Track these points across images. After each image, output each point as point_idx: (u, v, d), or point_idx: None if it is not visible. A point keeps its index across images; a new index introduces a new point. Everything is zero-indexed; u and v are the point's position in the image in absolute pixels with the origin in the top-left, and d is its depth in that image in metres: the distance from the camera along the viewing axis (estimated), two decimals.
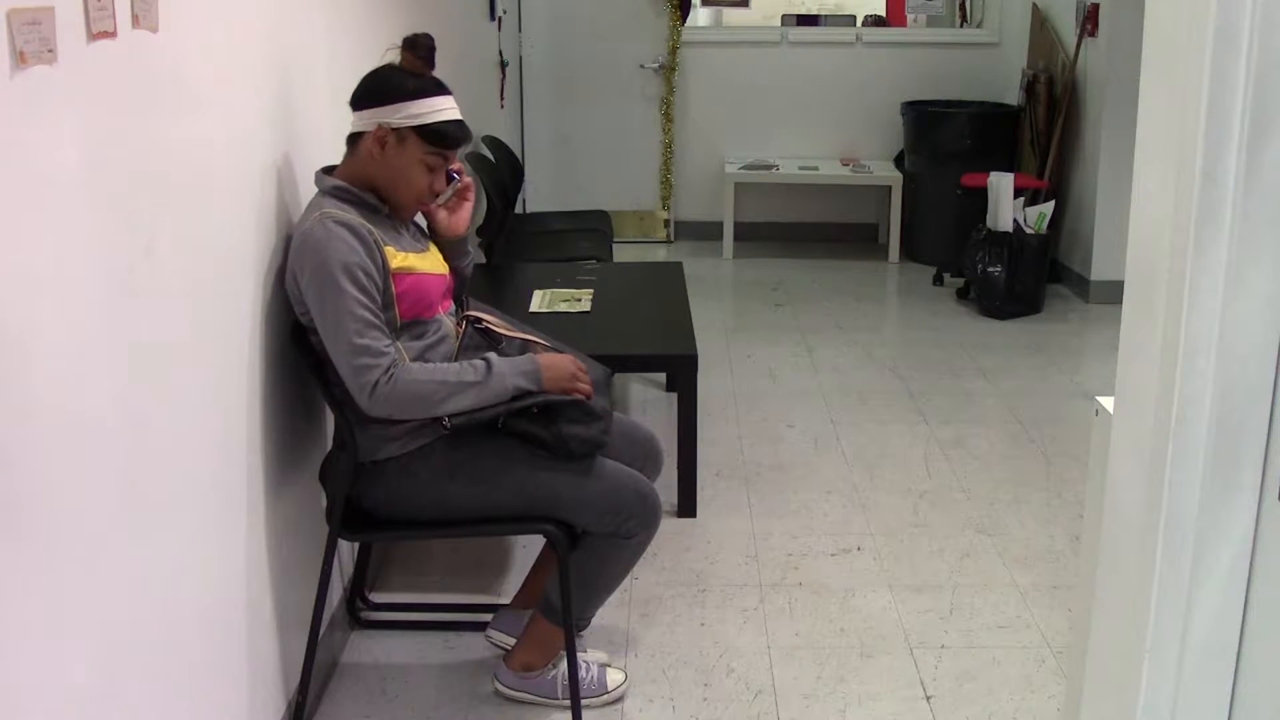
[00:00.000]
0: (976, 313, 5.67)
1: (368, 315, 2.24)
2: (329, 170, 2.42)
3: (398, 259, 2.34)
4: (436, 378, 2.30)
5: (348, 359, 2.24)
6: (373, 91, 2.37)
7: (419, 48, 2.38)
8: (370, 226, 2.31)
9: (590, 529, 2.45)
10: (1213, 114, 1.22)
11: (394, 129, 2.34)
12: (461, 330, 2.49)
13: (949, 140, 6.31)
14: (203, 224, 1.99)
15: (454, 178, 2.54)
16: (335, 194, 2.35)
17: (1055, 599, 3.08)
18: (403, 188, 2.39)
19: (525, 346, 2.51)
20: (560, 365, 2.43)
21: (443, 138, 2.37)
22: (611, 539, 2.45)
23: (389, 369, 2.25)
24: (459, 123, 2.40)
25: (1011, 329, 5.45)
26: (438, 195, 2.50)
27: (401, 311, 2.33)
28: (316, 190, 2.40)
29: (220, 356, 2.09)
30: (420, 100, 2.34)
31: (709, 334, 5.18)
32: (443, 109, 2.37)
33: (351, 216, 2.29)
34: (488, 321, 2.53)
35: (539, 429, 2.38)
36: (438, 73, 2.44)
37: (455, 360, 2.41)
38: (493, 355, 2.39)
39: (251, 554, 2.25)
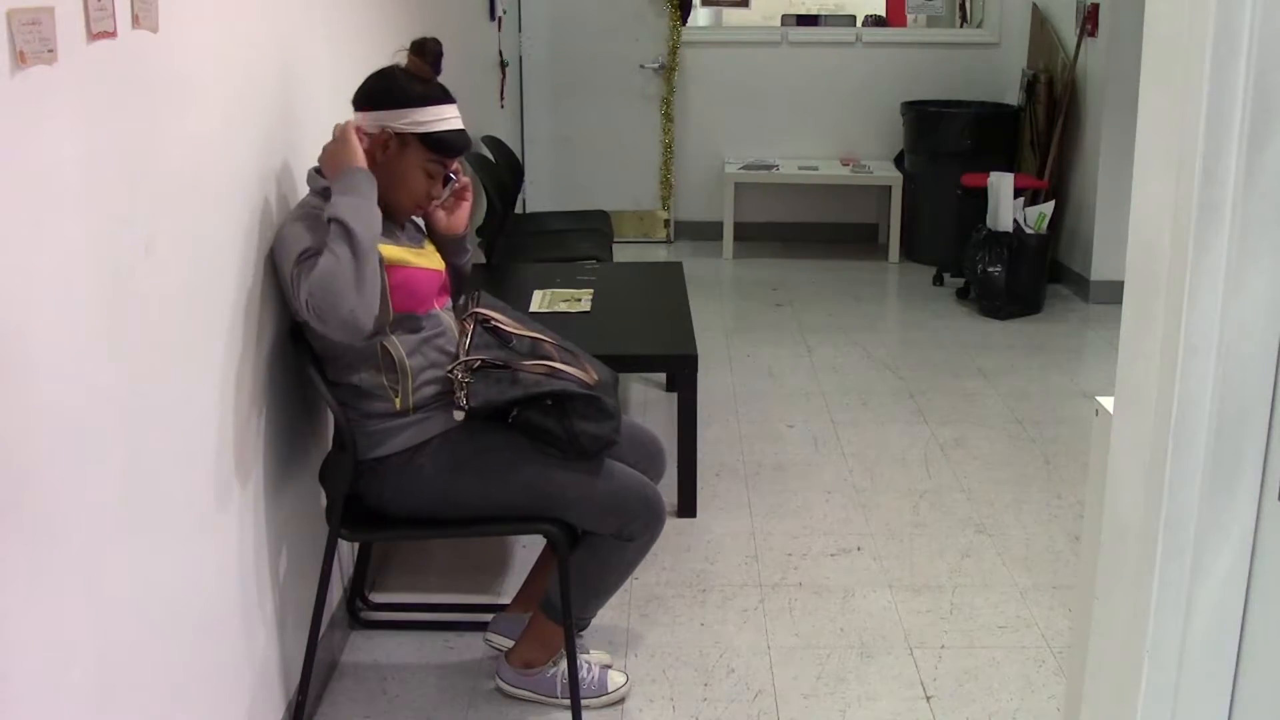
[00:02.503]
0: (976, 313, 5.67)
1: (308, 264, 2.19)
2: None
3: (391, 252, 2.34)
4: (323, 261, 2.18)
5: (300, 307, 2.20)
6: (378, 93, 2.37)
7: (426, 53, 2.38)
8: None
9: (592, 530, 2.45)
10: (1213, 114, 1.22)
11: (397, 134, 2.34)
12: (470, 329, 2.48)
13: (949, 140, 6.31)
14: (202, 224, 1.99)
15: (451, 178, 2.55)
16: (324, 195, 2.35)
17: (1055, 599, 3.08)
18: (400, 192, 2.39)
19: (535, 344, 2.51)
20: (331, 153, 2.33)
21: (445, 146, 2.38)
22: (613, 541, 2.45)
23: (305, 286, 2.18)
24: (461, 131, 2.40)
25: (1011, 329, 5.45)
26: (434, 200, 2.51)
27: (394, 304, 2.33)
28: (309, 189, 2.40)
29: (220, 356, 2.09)
30: (426, 108, 2.34)
31: (709, 334, 5.18)
32: (447, 117, 2.37)
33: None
34: (496, 320, 2.53)
35: (552, 423, 2.38)
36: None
37: (464, 356, 2.40)
38: (328, 207, 2.24)
39: (251, 554, 2.25)
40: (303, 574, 2.54)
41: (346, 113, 2.40)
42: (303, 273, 2.20)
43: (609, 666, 2.68)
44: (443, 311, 2.49)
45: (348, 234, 2.18)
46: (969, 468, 3.89)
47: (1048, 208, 5.65)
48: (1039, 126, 6.15)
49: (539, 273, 4.25)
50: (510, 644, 2.68)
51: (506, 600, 2.90)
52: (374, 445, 2.39)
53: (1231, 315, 1.26)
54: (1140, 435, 1.38)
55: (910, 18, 7.32)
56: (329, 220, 2.22)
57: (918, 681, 2.73)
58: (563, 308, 3.72)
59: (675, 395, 3.61)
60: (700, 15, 7.44)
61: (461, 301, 2.62)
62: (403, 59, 2.41)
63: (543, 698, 2.62)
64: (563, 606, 2.47)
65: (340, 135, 2.34)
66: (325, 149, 2.36)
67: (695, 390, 3.44)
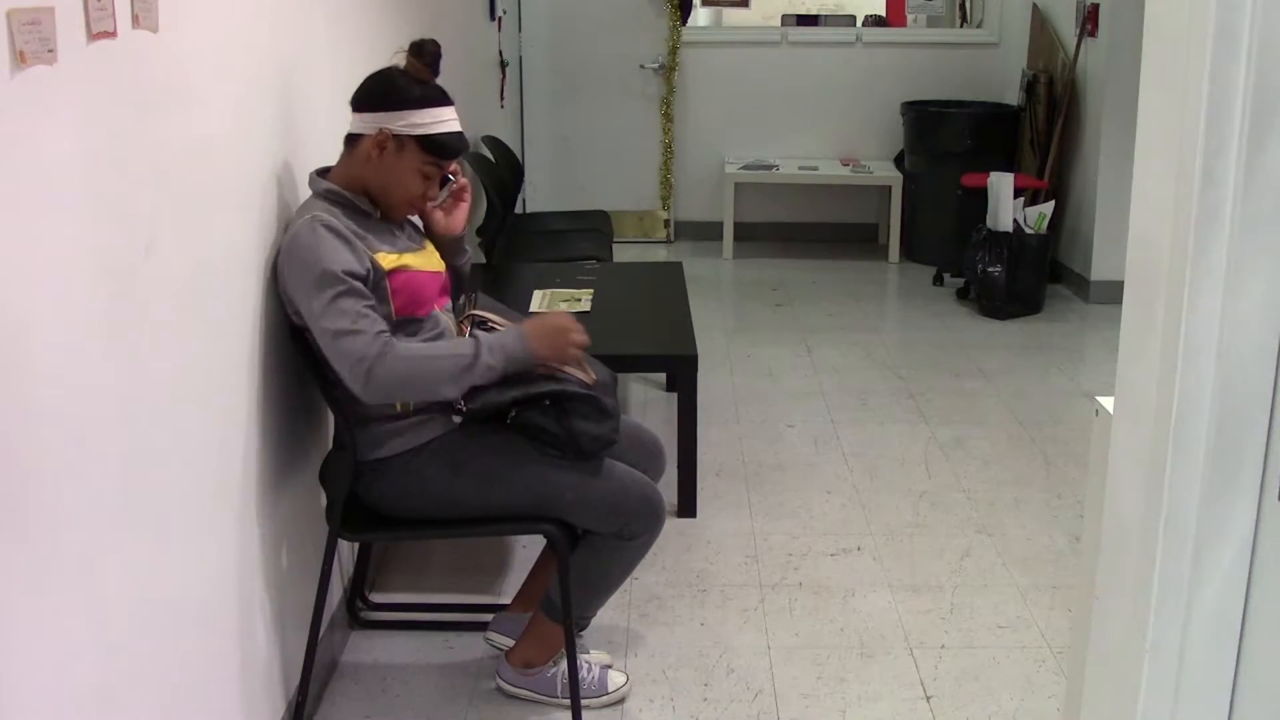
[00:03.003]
0: (976, 313, 5.67)
1: (359, 308, 2.23)
2: (323, 172, 2.42)
3: (391, 259, 2.34)
4: (427, 352, 2.29)
5: (340, 352, 2.22)
6: (376, 95, 2.37)
7: (425, 54, 2.38)
8: (361, 232, 2.31)
9: (593, 529, 2.45)
10: (1213, 114, 1.22)
11: (394, 135, 2.33)
12: (467, 330, 2.48)
13: (949, 140, 6.31)
14: (203, 224, 1.99)
15: (449, 179, 2.55)
16: (327, 197, 2.35)
17: (1055, 599, 3.08)
18: (397, 192, 2.39)
19: None
20: (546, 327, 2.37)
21: (442, 149, 2.37)
22: (614, 540, 2.45)
23: (380, 350, 2.21)
24: (458, 134, 2.40)
25: (1011, 329, 5.45)
26: (430, 201, 2.51)
27: (396, 308, 2.33)
28: (310, 192, 2.40)
29: (220, 357, 2.09)
30: (424, 109, 2.34)
31: (709, 334, 5.18)
32: (445, 120, 2.37)
33: (339, 222, 2.28)
34: (493, 322, 2.53)
35: (551, 423, 2.38)
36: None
37: None
38: (481, 336, 2.35)
39: (251, 554, 2.25)
40: (303, 574, 2.54)
41: (348, 112, 2.40)
42: (365, 342, 2.20)
43: (609, 666, 2.68)
44: (442, 313, 2.49)
45: (468, 366, 2.27)
46: (969, 468, 3.89)
47: (1048, 208, 5.65)
48: (1039, 126, 6.15)
49: (539, 273, 4.25)
50: (510, 644, 2.68)
51: (506, 600, 2.90)
52: (374, 446, 2.39)
53: (1231, 315, 1.26)
54: (1140, 435, 1.38)
55: (910, 18, 7.32)
56: (484, 349, 2.28)
57: (918, 681, 2.73)
58: (563, 308, 3.72)
59: (675, 395, 3.61)
60: (700, 15, 7.45)
61: (460, 302, 2.62)
62: (401, 60, 2.41)
63: (543, 697, 2.62)
64: (563, 606, 2.47)
65: (578, 346, 2.39)
66: (547, 325, 2.38)
67: (695, 390, 3.44)
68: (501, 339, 2.34)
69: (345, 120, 2.41)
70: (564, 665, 2.56)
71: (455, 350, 2.30)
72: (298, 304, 2.26)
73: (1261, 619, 1.36)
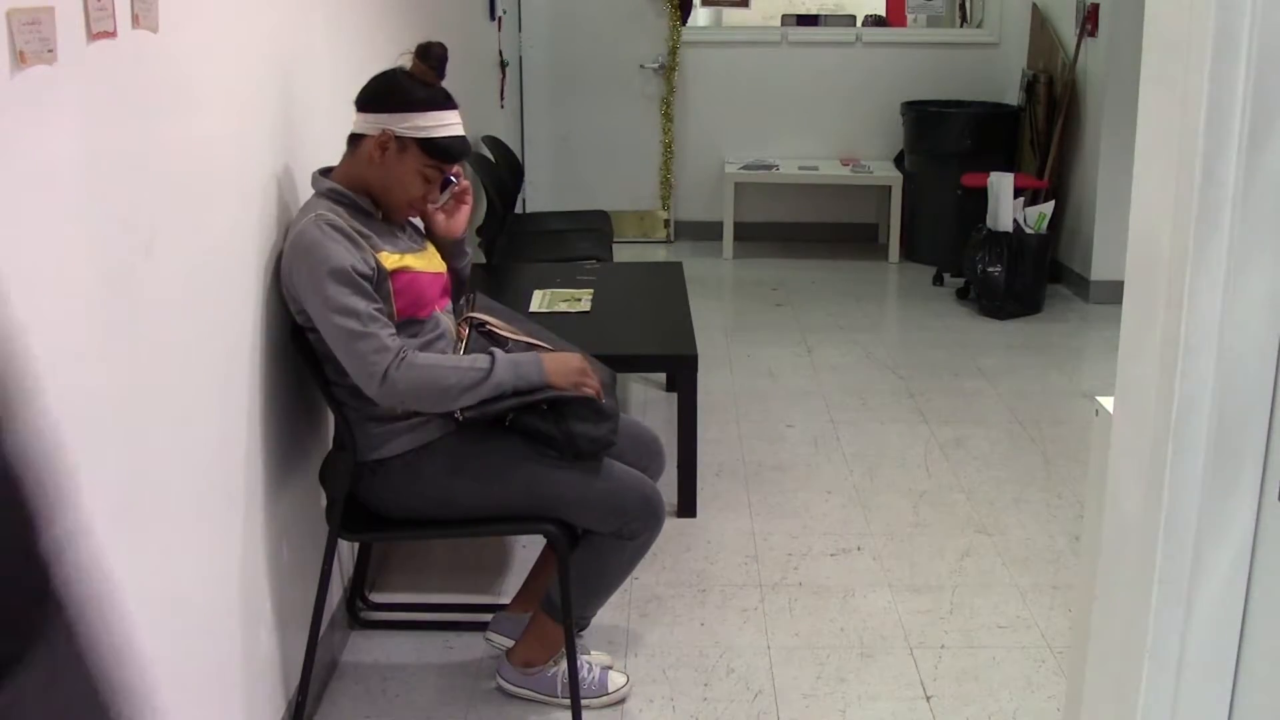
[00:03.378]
0: (976, 313, 5.67)
1: (370, 309, 2.24)
2: (325, 172, 2.42)
3: (393, 260, 2.34)
4: (444, 362, 2.31)
5: (355, 352, 2.23)
6: (381, 96, 2.36)
7: (431, 57, 2.38)
8: (365, 231, 2.32)
9: (593, 529, 2.45)
10: (1213, 114, 1.22)
11: (397, 137, 2.33)
12: (465, 333, 2.49)
13: (949, 140, 6.31)
14: (203, 224, 1.99)
15: (451, 181, 2.55)
16: (330, 196, 2.36)
17: (1055, 599, 3.08)
18: (397, 194, 2.39)
19: (529, 349, 2.51)
20: (566, 364, 2.42)
21: (444, 152, 2.38)
22: (613, 539, 2.45)
23: (399, 353, 2.24)
24: (461, 138, 2.41)
25: (1011, 329, 5.45)
26: (430, 203, 2.51)
27: (398, 309, 2.33)
28: (313, 191, 2.41)
29: (220, 356, 2.09)
30: (428, 113, 2.34)
31: (709, 334, 5.18)
32: (448, 123, 2.37)
33: (344, 220, 2.29)
34: (492, 324, 2.53)
35: (549, 425, 2.38)
36: None
37: None
38: (499, 354, 2.38)
39: (251, 554, 2.25)
40: (303, 574, 2.54)
41: (348, 113, 2.40)
42: (381, 346, 2.23)
43: (609, 667, 2.68)
44: (443, 314, 2.49)
45: (481, 381, 2.29)
46: (969, 468, 3.89)
47: (1048, 208, 5.65)
48: (1039, 126, 6.15)
49: (539, 273, 4.25)
50: (510, 643, 2.68)
51: (506, 600, 2.90)
52: (374, 447, 2.39)
53: (1231, 315, 1.26)
54: (1140, 435, 1.38)
55: (910, 18, 7.32)
56: (499, 366, 2.31)
57: (918, 681, 2.73)
58: (563, 308, 3.72)
59: (675, 395, 3.61)
60: (700, 15, 7.45)
61: (460, 303, 2.62)
62: (407, 62, 2.40)
63: (543, 697, 2.62)
64: (563, 606, 2.47)
65: (592, 390, 2.41)
66: (567, 362, 2.40)
67: (695, 390, 3.44)
68: (518, 360, 2.36)
69: (346, 120, 2.41)
70: (564, 665, 2.56)
71: (472, 364, 2.32)
72: (304, 302, 2.27)
73: (1261, 619, 1.36)
